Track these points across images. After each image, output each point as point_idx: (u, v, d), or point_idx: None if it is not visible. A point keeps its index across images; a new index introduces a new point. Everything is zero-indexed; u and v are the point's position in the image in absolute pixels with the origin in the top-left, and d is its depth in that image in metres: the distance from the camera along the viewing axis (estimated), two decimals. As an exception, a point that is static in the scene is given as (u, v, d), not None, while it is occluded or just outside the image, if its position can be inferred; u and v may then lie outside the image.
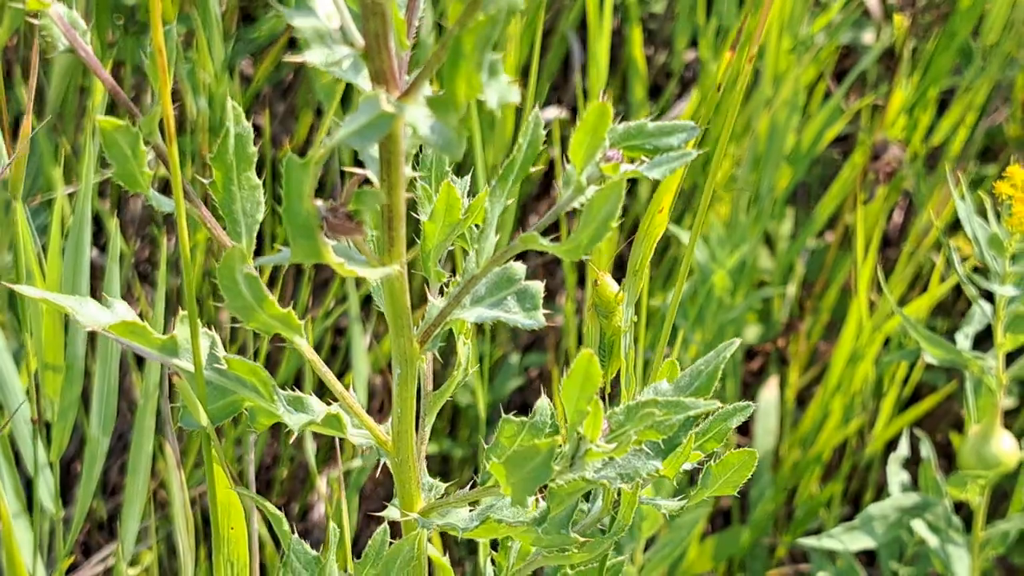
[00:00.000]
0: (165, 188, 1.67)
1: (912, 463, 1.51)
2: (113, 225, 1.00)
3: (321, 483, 1.51)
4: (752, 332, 1.89)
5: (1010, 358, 1.26)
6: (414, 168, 0.69)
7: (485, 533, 0.71)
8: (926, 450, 1.38)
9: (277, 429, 1.66)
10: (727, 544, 1.66)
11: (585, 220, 0.63)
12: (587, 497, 0.80)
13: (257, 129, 1.79)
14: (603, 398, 0.77)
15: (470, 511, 0.74)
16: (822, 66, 1.68)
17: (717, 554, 1.66)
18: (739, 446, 1.83)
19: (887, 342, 1.70)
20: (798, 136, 1.66)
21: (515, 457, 0.65)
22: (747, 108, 1.66)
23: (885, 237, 1.98)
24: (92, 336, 1.24)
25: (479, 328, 1.75)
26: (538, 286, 0.68)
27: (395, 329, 0.67)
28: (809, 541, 1.34)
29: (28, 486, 1.33)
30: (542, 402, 0.70)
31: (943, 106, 1.89)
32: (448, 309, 0.69)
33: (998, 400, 1.24)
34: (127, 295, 1.61)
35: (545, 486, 0.70)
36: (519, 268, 0.69)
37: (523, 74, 1.66)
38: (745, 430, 1.83)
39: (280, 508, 1.74)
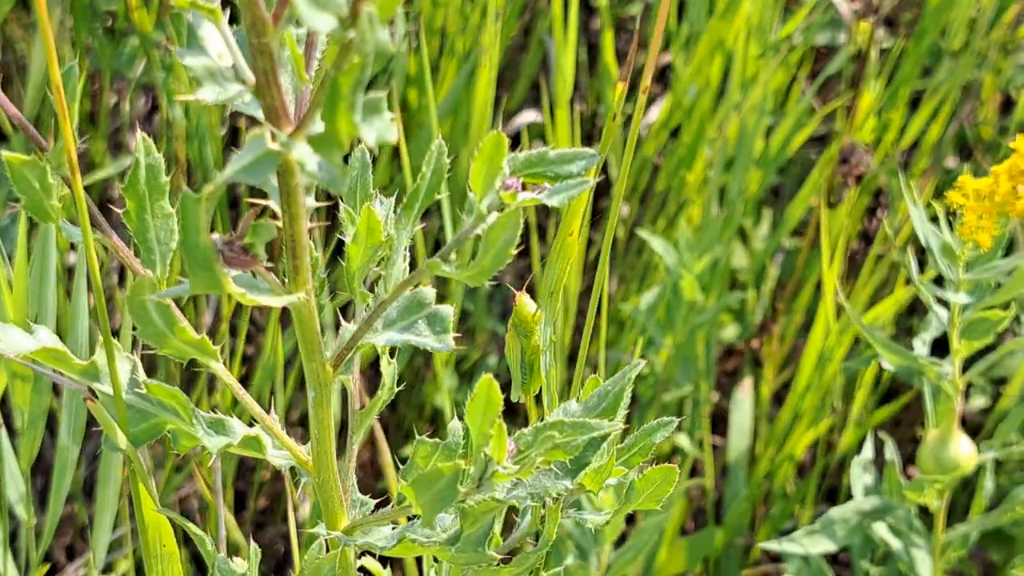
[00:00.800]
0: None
1: (879, 465, 1.52)
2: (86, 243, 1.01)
3: (293, 489, 1.53)
4: (727, 332, 1.90)
5: (971, 362, 1.27)
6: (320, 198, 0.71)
7: (403, 552, 0.73)
8: (890, 452, 1.39)
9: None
10: (701, 545, 1.67)
11: (485, 247, 0.64)
12: (518, 512, 0.81)
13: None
14: (524, 415, 0.79)
15: (392, 529, 0.75)
16: (792, 70, 1.69)
17: (691, 555, 1.67)
18: (715, 447, 1.85)
19: (857, 342, 1.71)
20: (768, 139, 1.67)
21: (422, 480, 0.66)
22: (717, 113, 1.67)
23: (867, 236, 1.99)
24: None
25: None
26: (448, 310, 0.70)
27: (306, 354, 0.69)
28: (770, 545, 1.35)
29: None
30: (454, 424, 0.72)
31: (916, 108, 1.90)
32: (359, 333, 0.70)
33: (955, 405, 1.25)
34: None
35: (459, 510, 0.72)
36: (429, 292, 0.70)
37: (499, 83, 1.67)
38: (722, 431, 1.84)
39: (260, 513, 1.75)
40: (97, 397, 0.72)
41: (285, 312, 1.56)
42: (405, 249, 0.71)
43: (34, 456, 1.24)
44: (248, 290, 0.62)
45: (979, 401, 1.80)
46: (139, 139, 0.66)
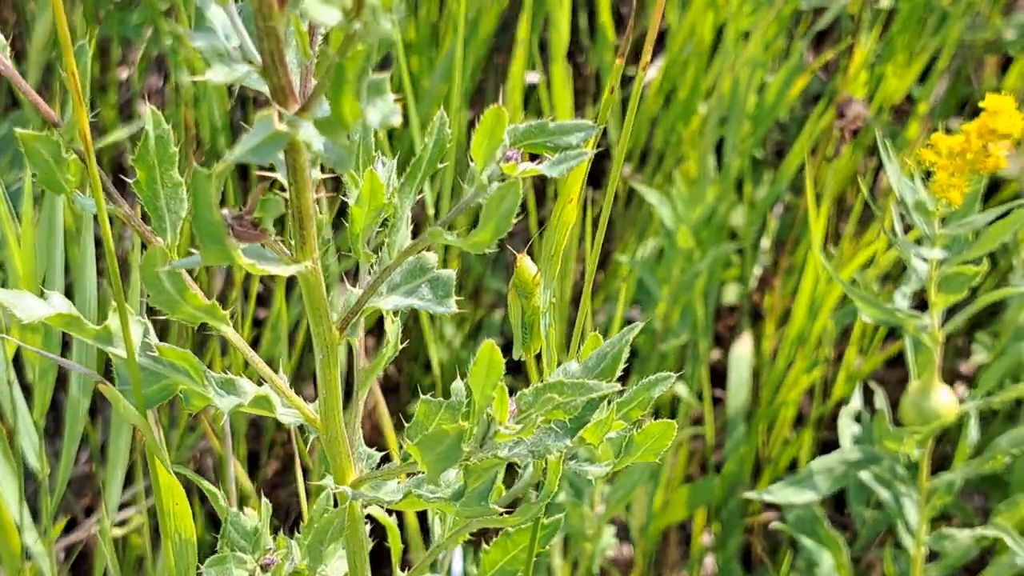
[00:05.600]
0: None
1: (871, 413, 1.55)
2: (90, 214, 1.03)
3: (303, 448, 1.55)
4: (728, 290, 1.93)
5: (951, 314, 1.30)
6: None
7: (409, 506, 0.75)
8: (880, 401, 1.42)
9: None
10: (701, 492, 1.70)
11: (486, 216, 0.66)
12: (520, 465, 0.84)
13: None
14: (525, 373, 0.81)
15: (397, 483, 0.78)
16: (785, 23, 1.70)
17: (691, 502, 1.70)
18: (716, 399, 1.88)
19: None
20: (762, 95, 1.69)
21: (427, 440, 0.69)
22: (712, 68, 1.68)
23: (872, 193, 2.00)
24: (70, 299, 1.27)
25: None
26: (450, 274, 0.72)
27: (314, 319, 0.71)
28: (752, 495, 1.38)
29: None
30: (457, 384, 0.74)
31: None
32: (365, 298, 0.72)
33: (935, 356, 1.28)
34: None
35: (463, 467, 0.74)
36: (431, 257, 0.72)
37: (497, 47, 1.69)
38: (723, 384, 1.87)
39: (274, 475, 1.78)
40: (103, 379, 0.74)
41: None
42: (408, 216, 0.73)
43: (46, 407, 1.27)
44: (257, 260, 0.65)
45: (980, 357, 1.83)
46: (148, 112, 0.68)
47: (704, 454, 1.83)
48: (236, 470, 1.38)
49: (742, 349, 1.75)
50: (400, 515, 1.60)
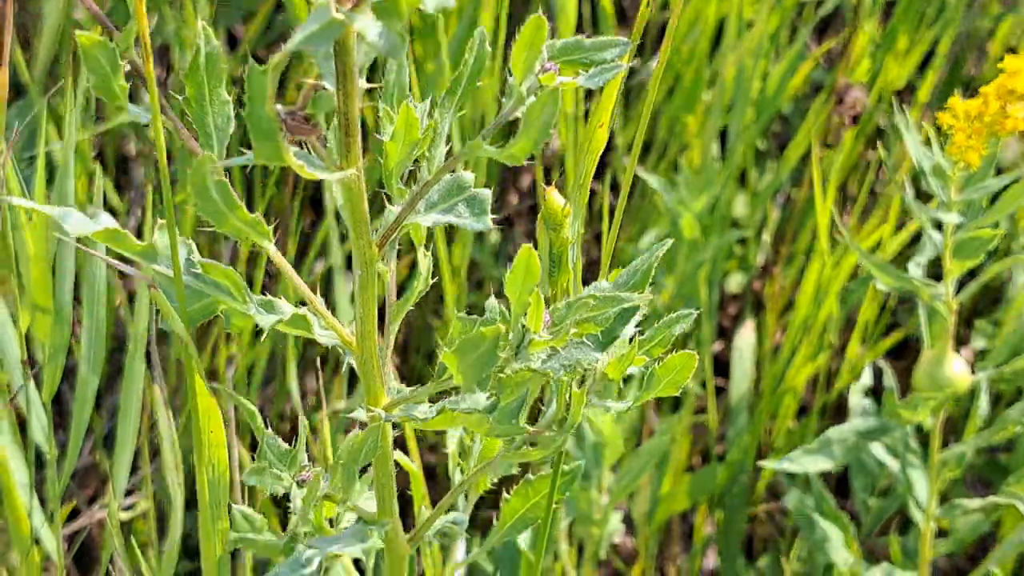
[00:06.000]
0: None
1: (877, 393, 1.57)
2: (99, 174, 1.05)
3: (294, 388, 1.56)
4: (730, 278, 1.95)
5: (961, 285, 1.33)
6: (371, 94, 0.75)
7: (442, 423, 0.77)
8: (889, 379, 1.44)
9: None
10: (704, 480, 1.72)
11: (524, 127, 0.69)
12: (544, 402, 0.86)
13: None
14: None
15: (429, 406, 0.80)
16: (788, 13, 1.73)
17: (694, 490, 1.71)
18: (719, 388, 1.90)
19: (853, 277, 1.76)
20: (765, 83, 1.72)
21: (464, 344, 0.71)
22: (715, 58, 1.72)
23: (863, 179, 2.03)
24: (78, 283, 1.29)
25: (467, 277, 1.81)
26: (486, 193, 0.74)
27: (355, 232, 0.73)
28: (767, 463, 1.40)
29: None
30: (491, 300, 0.76)
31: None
32: (403, 214, 0.75)
33: (949, 325, 1.30)
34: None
35: (496, 381, 0.76)
36: (468, 176, 0.75)
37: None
38: (725, 372, 1.89)
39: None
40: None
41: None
42: (446, 133, 0.75)
43: (55, 389, 1.27)
44: (306, 163, 0.67)
45: (979, 343, 1.86)
46: (200, 27, 0.71)
47: (707, 444, 1.85)
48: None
49: (745, 337, 1.77)
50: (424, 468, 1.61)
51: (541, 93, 0.68)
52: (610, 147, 1.89)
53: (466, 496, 1.01)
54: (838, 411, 1.84)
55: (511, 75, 0.70)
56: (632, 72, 1.90)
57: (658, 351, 0.85)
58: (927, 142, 1.23)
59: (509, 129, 0.72)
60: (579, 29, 1.95)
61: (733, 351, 1.80)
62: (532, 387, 0.78)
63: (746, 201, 1.88)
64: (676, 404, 1.80)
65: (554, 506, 0.94)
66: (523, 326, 0.72)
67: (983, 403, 1.40)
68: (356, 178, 0.70)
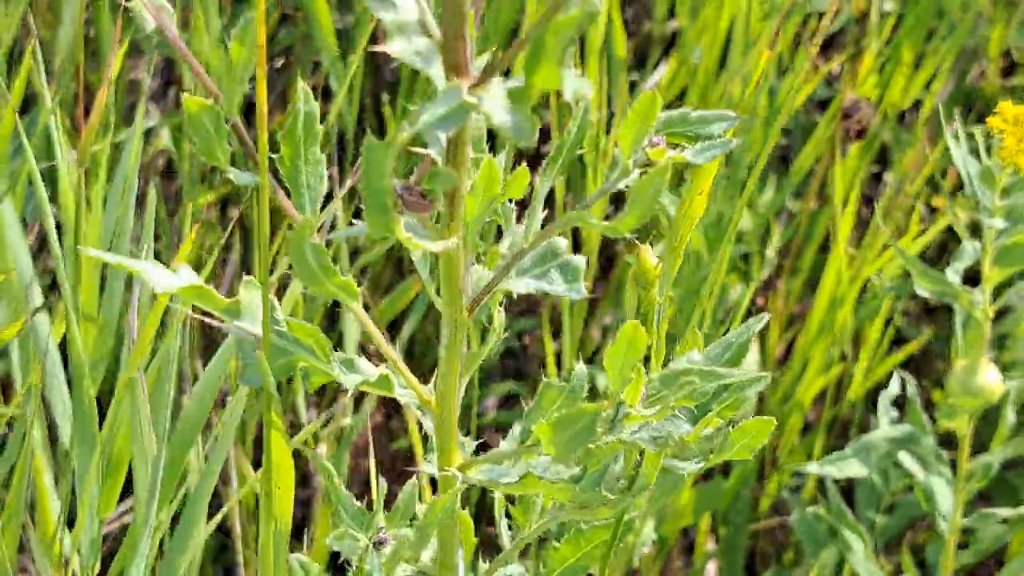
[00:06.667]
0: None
1: (898, 407, 1.58)
2: (151, 200, 1.03)
3: (321, 447, 1.55)
4: (734, 293, 1.95)
5: (997, 293, 1.33)
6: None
7: (524, 488, 0.76)
8: (912, 390, 1.44)
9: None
10: (709, 496, 1.71)
11: (633, 202, 0.68)
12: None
13: (251, 105, 1.84)
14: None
15: (511, 467, 0.79)
16: (795, 29, 1.73)
17: (699, 506, 1.71)
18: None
19: (864, 290, 1.76)
20: (771, 100, 1.72)
21: (563, 420, 0.70)
22: (722, 76, 1.71)
23: (870, 198, 2.04)
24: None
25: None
26: (580, 260, 0.73)
27: (448, 297, 0.72)
28: (802, 467, 1.41)
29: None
30: (580, 368, 0.75)
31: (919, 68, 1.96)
32: (496, 279, 0.73)
33: (985, 333, 1.30)
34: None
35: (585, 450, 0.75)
36: (562, 243, 0.74)
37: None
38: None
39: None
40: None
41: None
42: (542, 200, 0.74)
43: (93, 402, 1.25)
44: (414, 235, 0.66)
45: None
46: (300, 87, 0.69)
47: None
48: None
49: (749, 355, 1.77)
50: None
51: (652, 169, 0.67)
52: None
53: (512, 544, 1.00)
54: (845, 427, 1.84)
55: (617, 147, 0.69)
56: (633, 85, 1.90)
57: (729, 413, 0.85)
58: (974, 149, 1.23)
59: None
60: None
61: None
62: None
63: (749, 215, 1.88)
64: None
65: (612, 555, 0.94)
66: (620, 399, 0.71)
67: (1010, 413, 1.40)
68: (456, 247, 0.69)
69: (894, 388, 1.50)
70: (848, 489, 1.83)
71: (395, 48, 0.61)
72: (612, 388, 0.71)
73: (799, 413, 1.76)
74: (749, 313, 1.95)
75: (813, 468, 1.42)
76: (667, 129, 0.71)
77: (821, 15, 1.98)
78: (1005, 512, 1.39)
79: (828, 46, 2.09)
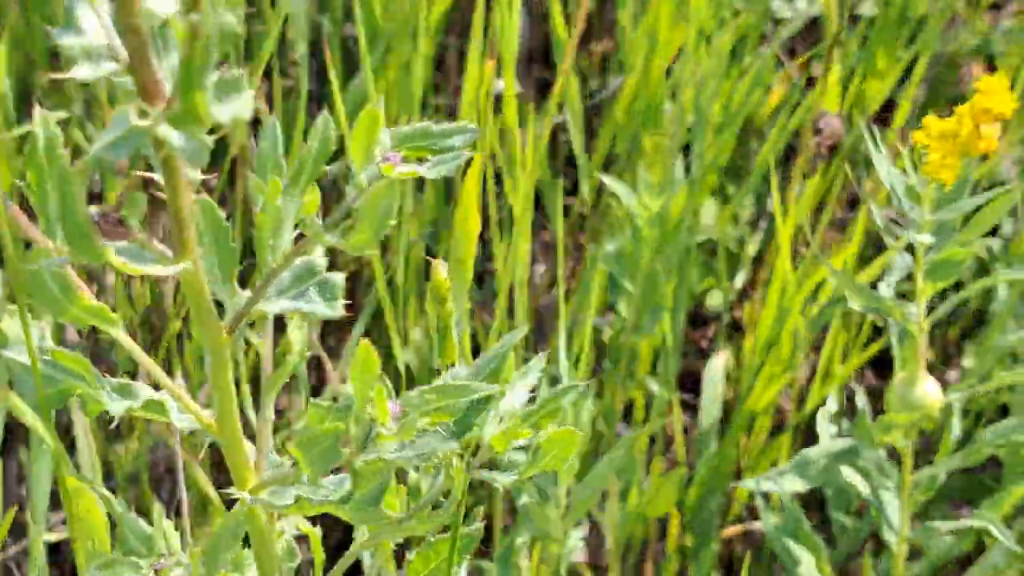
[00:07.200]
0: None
1: (851, 414, 1.55)
2: None
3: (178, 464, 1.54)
4: (708, 302, 1.93)
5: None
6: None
7: (298, 511, 0.76)
8: (861, 401, 1.42)
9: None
10: (673, 482, 1.69)
11: (362, 218, 0.67)
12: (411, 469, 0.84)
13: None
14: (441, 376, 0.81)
15: (292, 490, 0.78)
16: (744, 32, 1.70)
17: (664, 495, 1.68)
18: (692, 405, 1.88)
19: (816, 297, 1.73)
20: (727, 103, 1.69)
21: (306, 441, 0.69)
22: (672, 78, 1.69)
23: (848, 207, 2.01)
24: None
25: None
26: (338, 278, 0.72)
27: (199, 321, 0.72)
28: (746, 484, 1.40)
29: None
30: (347, 387, 0.74)
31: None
32: (252, 301, 0.73)
33: (920, 346, 1.28)
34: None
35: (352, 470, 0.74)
36: (320, 261, 0.73)
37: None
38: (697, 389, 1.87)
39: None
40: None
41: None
42: (292, 219, 0.73)
43: None
44: (131, 260, 0.65)
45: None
46: (36, 114, 0.69)
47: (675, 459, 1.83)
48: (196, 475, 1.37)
49: (717, 364, 1.74)
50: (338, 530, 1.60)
51: (377, 186, 0.66)
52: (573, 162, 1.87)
53: (373, 558, 0.99)
54: (810, 431, 1.81)
55: (351, 163, 0.68)
56: (593, 92, 1.88)
57: (546, 422, 0.83)
58: (906, 163, 1.21)
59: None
60: (530, 58, 1.92)
61: (704, 378, 1.77)
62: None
63: (714, 213, 1.85)
64: (647, 416, 1.78)
65: (455, 568, 0.93)
66: (371, 419, 0.70)
67: (955, 425, 1.38)
68: (193, 271, 0.68)
69: (831, 405, 1.48)
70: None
71: (82, 73, 0.61)
72: (356, 407, 0.70)
73: (765, 419, 1.73)
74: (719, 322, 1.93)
75: (750, 484, 1.40)
76: (407, 143, 0.69)
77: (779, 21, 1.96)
78: (947, 526, 1.36)
79: (794, 47, 2.06)
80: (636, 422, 1.79)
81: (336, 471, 0.77)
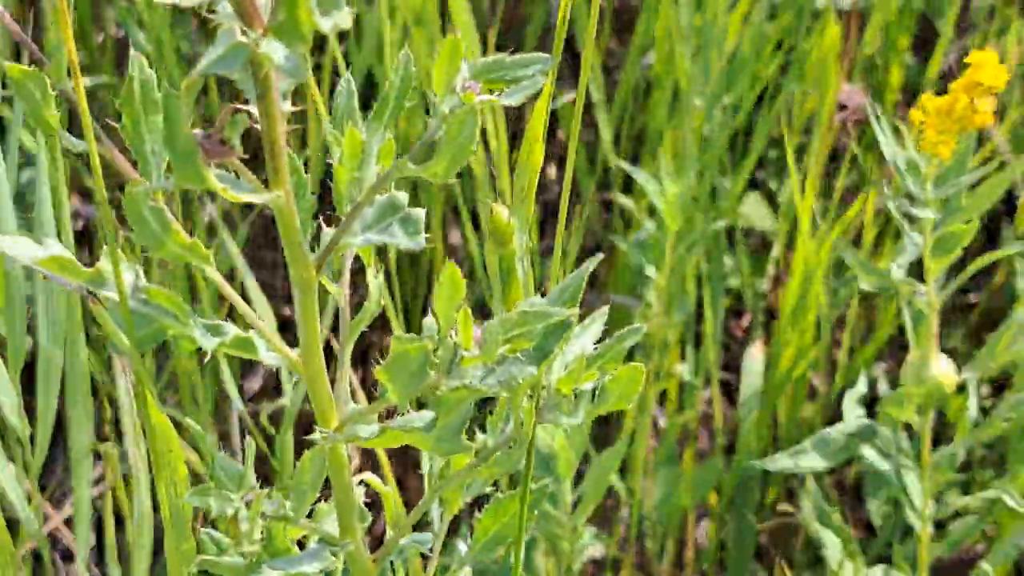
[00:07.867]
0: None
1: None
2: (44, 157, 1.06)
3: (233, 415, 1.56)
4: (734, 280, 1.95)
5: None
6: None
7: (384, 442, 0.78)
8: (884, 387, 1.44)
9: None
10: (707, 475, 1.71)
11: (443, 146, 0.70)
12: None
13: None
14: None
15: (377, 425, 0.81)
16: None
17: (697, 487, 1.70)
18: (729, 384, 1.90)
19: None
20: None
21: (393, 363, 0.72)
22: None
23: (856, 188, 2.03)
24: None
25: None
26: (419, 212, 0.75)
27: (291, 256, 0.75)
28: (757, 463, 1.41)
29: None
30: (428, 320, 0.77)
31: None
32: (338, 235, 0.76)
33: (933, 324, 1.30)
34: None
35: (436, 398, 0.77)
36: (402, 196, 0.76)
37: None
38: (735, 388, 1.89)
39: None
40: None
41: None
42: (375, 153, 0.76)
43: (21, 363, 1.25)
44: (231, 187, 0.68)
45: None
46: (132, 57, 0.73)
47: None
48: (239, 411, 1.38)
49: (755, 355, 1.76)
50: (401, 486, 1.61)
51: (458, 112, 0.69)
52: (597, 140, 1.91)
53: (441, 517, 1.01)
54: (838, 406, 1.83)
55: (434, 95, 0.71)
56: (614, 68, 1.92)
57: (611, 366, 0.86)
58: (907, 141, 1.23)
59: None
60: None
61: (743, 368, 1.79)
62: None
63: (723, 191, 1.87)
64: (681, 405, 1.80)
65: (526, 523, 0.95)
66: (455, 343, 0.73)
67: (972, 403, 1.40)
68: (286, 201, 0.72)
69: (860, 387, 1.50)
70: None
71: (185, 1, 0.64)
72: (441, 331, 0.72)
73: (792, 389, 1.75)
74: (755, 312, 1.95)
75: (767, 464, 1.42)
76: (485, 74, 0.72)
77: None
78: (965, 500, 1.38)
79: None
80: (669, 410, 1.81)
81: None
